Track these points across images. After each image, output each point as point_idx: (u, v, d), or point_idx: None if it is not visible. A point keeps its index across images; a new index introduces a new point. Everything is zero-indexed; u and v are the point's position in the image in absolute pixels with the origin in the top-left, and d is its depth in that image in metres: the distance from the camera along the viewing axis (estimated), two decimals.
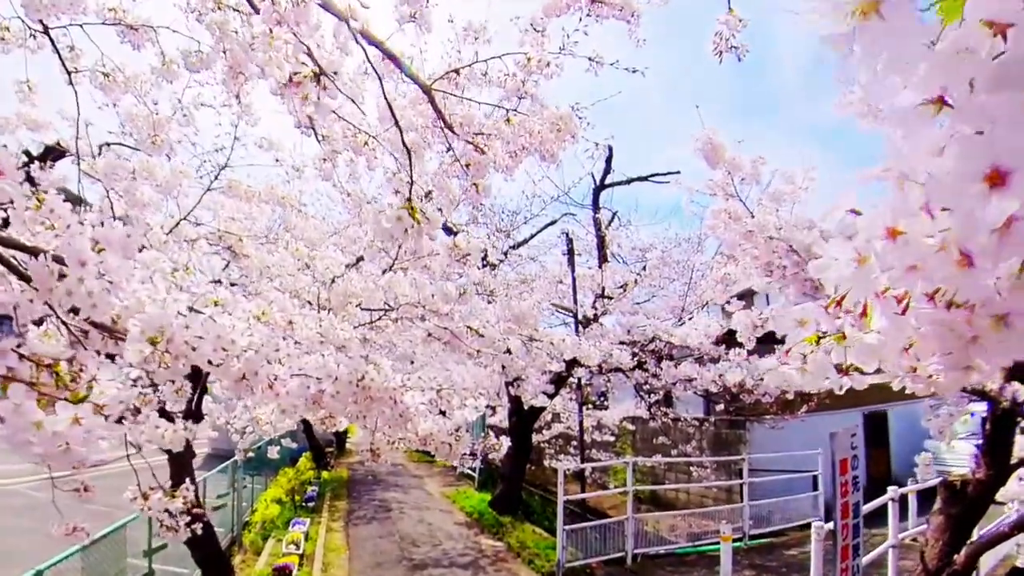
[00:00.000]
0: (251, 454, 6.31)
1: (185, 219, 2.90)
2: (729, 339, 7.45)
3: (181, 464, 3.46)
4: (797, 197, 3.79)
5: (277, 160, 3.02)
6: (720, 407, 7.55)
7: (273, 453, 6.26)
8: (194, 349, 1.05)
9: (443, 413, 1.99)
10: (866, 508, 3.85)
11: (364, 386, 1.50)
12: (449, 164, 2.84)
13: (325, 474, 11.18)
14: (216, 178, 3.02)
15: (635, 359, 8.73)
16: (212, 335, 1.09)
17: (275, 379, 1.24)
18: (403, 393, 1.57)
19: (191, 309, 1.44)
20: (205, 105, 2.63)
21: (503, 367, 6.68)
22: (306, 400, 1.57)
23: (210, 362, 1.18)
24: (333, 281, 3.49)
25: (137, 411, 2.19)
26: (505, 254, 8.91)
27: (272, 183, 3.19)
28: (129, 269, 0.93)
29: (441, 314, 2.93)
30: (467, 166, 2.53)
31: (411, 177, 1.26)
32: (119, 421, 0.88)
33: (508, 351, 4.69)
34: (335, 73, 1.47)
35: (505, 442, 2.48)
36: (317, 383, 1.50)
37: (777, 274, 4.16)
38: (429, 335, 3.21)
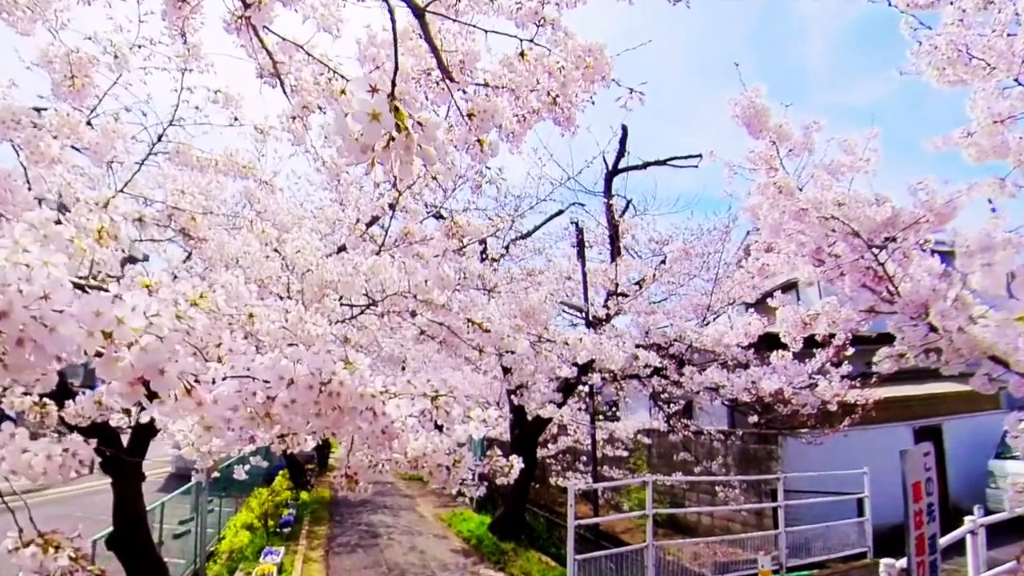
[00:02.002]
0: (216, 474, 5.96)
1: (123, 191, 2.56)
2: (766, 341, 7.13)
3: (127, 490, 3.13)
4: (857, 170, 3.48)
5: (236, 119, 2.69)
6: (751, 418, 7.22)
7: (240, 474, 5.89)
8: (52, 331, 0.72)
9: (439, 427, 1.67)
10: (942, 541, 3.52)
11: (331, 392, 1.17)
12: (446, 130, 2.52)
13: (304, 495, 10.81)
14: (160, 138, 2.68)
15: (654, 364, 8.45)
16: (86, 311, 0.76)
17: (194, 382, 0.91)
18: (385, 402, 1.24)
19: (82, 288, 1.11)
20: (143, 46, 2.30)
21: (506, 372, 6.35)
22: (252, 412, 1.24)
23: (99, 354, 0.85)
24: (308, 271, 3.17)
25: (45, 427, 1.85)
26: (507, 247, 8.60)
27: (231, 150, 2.86)
28: None
29: (436, 306, 2.60)
30: (470, 116, 2.21)
31: (394, 79, 0.94)
32: None
33: (511, 352, 4.37)
34: None
35: (517, 463, 2.16)
36: (265, 388, 1.17)
37: (830, 263, 3.85)
38: (422, 333, 2.88)
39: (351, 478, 1.85)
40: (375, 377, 1.26)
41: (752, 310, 7.20)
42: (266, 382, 1.20)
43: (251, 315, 2.49)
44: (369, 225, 4.31)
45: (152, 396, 0.88)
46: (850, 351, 5.66)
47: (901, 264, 3.28)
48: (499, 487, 9.37)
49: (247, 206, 3.39)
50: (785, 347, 5.15)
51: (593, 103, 2.94)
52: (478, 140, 2.36)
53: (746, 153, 3.91)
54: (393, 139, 0.88)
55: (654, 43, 2.11)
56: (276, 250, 3.49)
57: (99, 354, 0.86)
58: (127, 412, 2.86)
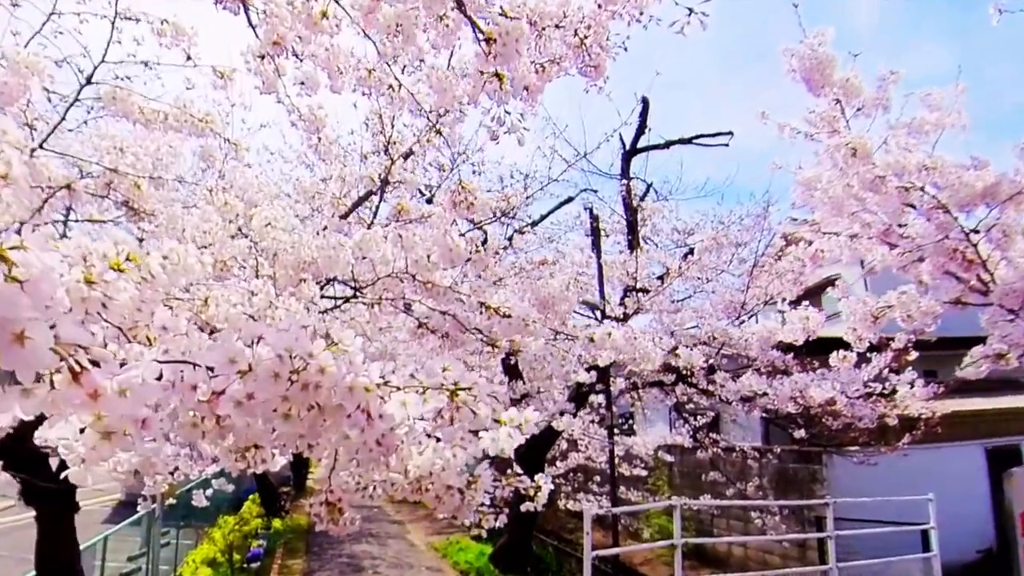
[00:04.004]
0: (172, 500, 5.64)
1: (43, 148, 2.27)
2: (807, 344, 6.84)
3: (56, 523, 2.83)
4: (943, 128, 3.21)
5: (189, 57, 2.40)
6: (798, 433, 6.94)
7: (201, 500, 5.55)
8: None
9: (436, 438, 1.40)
10: None
11: (307, 383, 0.89)
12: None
13: (277, 522, 10.51)
14: (90, 80, 2.39)
15: (668, 372, 8.16)
16: None
17: (89, 364, 0.63)
18: (386, 398, 0.97)
19: None
20: None
21: (511, 378, 6.06)
22: (192, 414, 0.97)
23: None
24: (282, 250, 2.89)
25: None
26: (510, 239, 8.32)
27: (184, 99, 2.57)
28: None
29: (439, 291, 2.32)
30: (488, 42, 1.94)
31: None
32: None
33: (512, 353, 4.10)
34: None
35: (546, 484, 1.90)
36: (210, 378, 0.90)
37: (904, 244, 3.58)
38: (421, 325, 2.61)
39: (334, 506, 1.56)
40: (370, 365, 0.98)
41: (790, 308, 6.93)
42: (211, 370, 0.91)
43: (205, 300, 2.21)
44: (357, 205, 4.03)
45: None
46: (913, 355, 5.40)
47: (999, 245, 3.01)
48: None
49: (207, 169, 3.10)
50: (841, 347, 4.88)
51: (626, 49, 2.67)
52: (496, 74, 2.09)
53: (804, 114, 3.66)
54: None
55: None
56: (240, 230, 3.21)
57: None
58: None
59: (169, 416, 0.86)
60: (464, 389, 1.01)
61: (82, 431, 0.65)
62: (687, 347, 4.33)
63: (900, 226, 3.51)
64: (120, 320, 1.18)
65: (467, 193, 2.28)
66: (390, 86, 2.39)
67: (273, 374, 0.88)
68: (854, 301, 3.60)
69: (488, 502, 1.71)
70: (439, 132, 2.31)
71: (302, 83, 2.53)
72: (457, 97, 2.31)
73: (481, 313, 2.10)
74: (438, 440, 1.29)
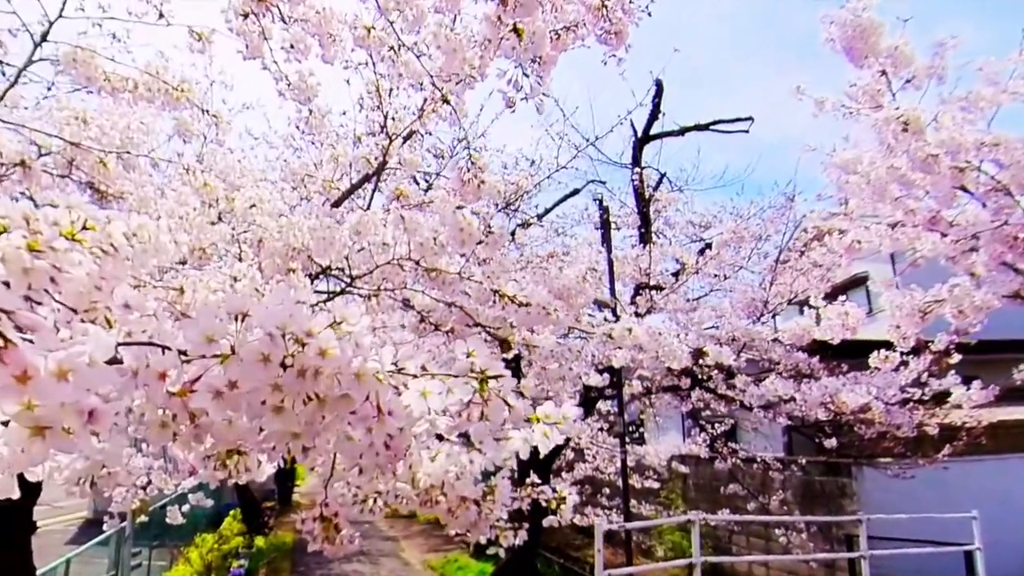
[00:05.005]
0: (144, 517, 5.47)
1: None
2: (831, 346, 6.71)
3: (4, 548, 2.70)
4: (999, 105, 3.09)
5: (161, 15, 2.27)
6: (830, 442, 6.81)
7: (177, 516, 5.36)
8: None
9: (467, 442, 1.28)
10: None
11: (304, 368, 0.76)
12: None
13: (260, 540, 10.36)
14: (45, 38, 2.25)
15: (683, 376, 8.02)
16: None
17: (5, 340, 0.50)
18: (401, 387, 0.84)
19: None
20: None
21: (520, 377, 5.92)
22: (160, 410, 0.85)
23: None
24: (267, 235, 2.77)
25: None
26: (512, 234, 8.19)
27: (156, 65, 2.44)
28: None
29: (446, 279, 2.19)
30: None
31: None
32: None
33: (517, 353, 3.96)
34: None
35: (571, 495, 1.79)
36: (181, 364, 0.77)
37: (955, 232, 3.46)
38: (423, 319, 2.49)
39: (329, 522, 1.43)
40: (382, 350, 0.84)
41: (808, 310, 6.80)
42: (183, 354, 0.78)
43: (181, 289, 2.08)
44: (352, 191, 3.89)
45: None
46: (955, 358, 5.27)
47: None
48: None
49: (185, 145, 2.97)
50: (873, 348, 4.75)
51: (649, 14, 2.54)
52: (515, 28, 1.97)
53: (845, 88, 3.54)
54: None
55: None
56: (221, 216, 3.08)
57: None
58: None
59: (128, 411, 0.72)
60: (495, 377, 0.88)
61: (5, 424, 0.52)
62: (716, 344, 4.19)
63: (960, 212, 3.39)
64: (75, 301, 1.05)
65: (477, 170, 2.15)
66: (391, 48, 2.26)
67: (262, 357, 0.75)
68: (899, 295, 3.48)
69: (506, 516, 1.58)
70: (446, 100, 2.18)
71: (291, 46, 2.40)
72: (467, 60, 2.18)
73: (494, 304, 1.96)
74: (466, 438, 1.16)
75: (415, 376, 0.85)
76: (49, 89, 3.30)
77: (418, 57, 2.29)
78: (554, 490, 1.82)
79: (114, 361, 0.72)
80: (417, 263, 2.06)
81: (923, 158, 2.86)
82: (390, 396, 0.84)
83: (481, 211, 3.65)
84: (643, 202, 8.71)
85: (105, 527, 4.32)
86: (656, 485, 10.64)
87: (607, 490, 10.42)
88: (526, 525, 1.71)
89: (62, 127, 2.29)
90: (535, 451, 1.21)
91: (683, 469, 10.63)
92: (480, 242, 1.84)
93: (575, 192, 9.75)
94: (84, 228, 1.11)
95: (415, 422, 0.86)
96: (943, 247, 3.26)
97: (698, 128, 9.25)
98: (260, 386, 0.75)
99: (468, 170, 2.14)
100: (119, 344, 0.78)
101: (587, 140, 8.39)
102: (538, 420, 1.00)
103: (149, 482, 3.92)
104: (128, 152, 2.47)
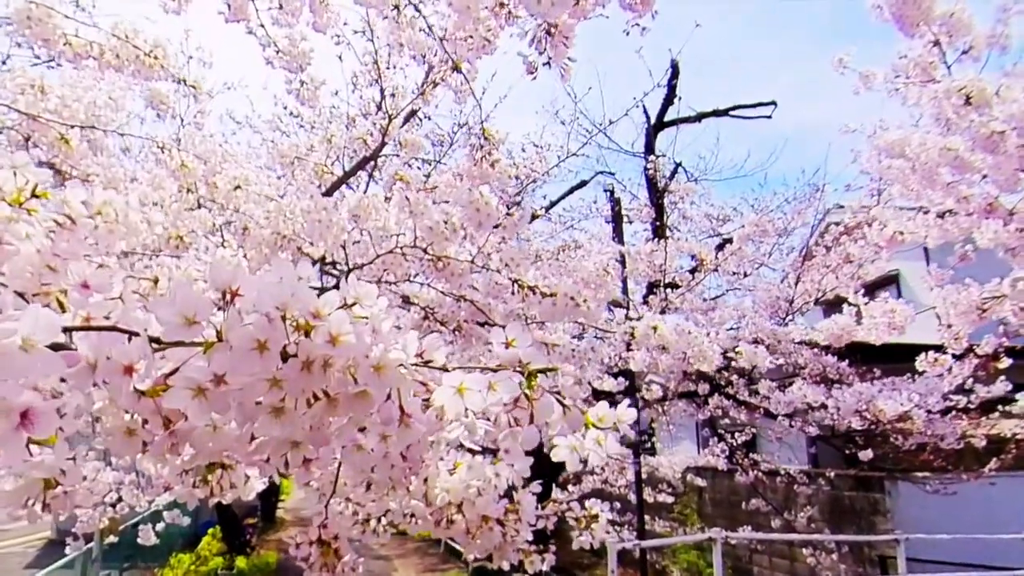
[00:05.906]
0: (114, 538, 5.31)
1: None
2: (860, 349, 6.56)
3: None
4: None
5: None
6: (864, 454, 6.68)
7: (149, 537, 5.18)
8: None
9: (488, 451, 1.16)
10: None
11: (310, 359, 0.63)
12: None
13: (242, 561, 10.22)
14: None
15: (701, 381, 7.89)
16: None
17: None
18: (430, 383, 0.71)
19: None
20: None
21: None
22: (130, 416, 0.73)
23: None
24: (254, 222, 2.66)
25: None
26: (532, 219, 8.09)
27: (125, 27, 2.30)
28: None
29: (456, 268, 2.07)
30: None
31: None
32: None
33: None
34: None
35: (604, 513, 1.68)
36: (152, 352, 0.64)
37: (1018, 220, 3.34)
38: (427, 317, 2.37)
39: (328, 546, 1.31)
40: (406, 338, 0.71)
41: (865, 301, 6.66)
42: (155, 341, 0.65)
43: (156, 280, 1.95)
44: (348, 176, 3.77)
45: None
46: (1006, 362, 5.14)
47: None
48: None
49: (157, 119, 2.84)
50: (934, 349, 4.58)
51: None
52: None
53: (893, 61, 3.42)
54: None
55: None
56: (200, 203, 2.96)
57: None
58: None
59: (78, 411, 0.60)
60: (545, 371, 0.75)
61: None
62: (750, 343, 4.07)
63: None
64: (21, 282, 0.92)
65: (491, 146, 2.03)
66: (395, 7, 2.14)
67: (256, 344, 0.62)
68: (952, 291, 3.35)
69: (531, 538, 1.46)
70: (457, 68, 2.05)
71: (280, 5, 2.28)
72: (482, 20, 2.06)
73: (514, 294, 1.83)
74: (485, 448, 1.04)
75: (446, 370, 0.72)
76: (4, 63, 3.18)
77: (425, 18, 2.17)
78: (583, 506, 1.71)
79: (63, 349, 0.60)
80: (425, 251, 1.94)
81: (987, 135, 2.75)
82: (414, 393, 0.72)
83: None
84: (657, 193, 8.61)
85: (68, 549, 4.16)
86: (670, 499, 10.52)
87: (617, 504, 10.29)
88: (552, 547, 1.59)
89: (16, 97, 2.15)
90: (541, 463, 1.10)
91: (699, 482, 10.50)
92: (497, 225, 1.72)
93: (583, 184, 9.66)
94: (34, 195, 0.99)
95: (447, 427, 0.73)
96: (1005, 236, 3.14)
97: (716, 114, 9.15)
98: (254, 381, 0.63)
99: (481, 147, 2.01)
100: (71, 329, 0.65)
101: (597, 127, 8.29)
102: (591, 425, 0.87)
103: (119, 499, 3.79)
104: (94, 127, 2.33)
